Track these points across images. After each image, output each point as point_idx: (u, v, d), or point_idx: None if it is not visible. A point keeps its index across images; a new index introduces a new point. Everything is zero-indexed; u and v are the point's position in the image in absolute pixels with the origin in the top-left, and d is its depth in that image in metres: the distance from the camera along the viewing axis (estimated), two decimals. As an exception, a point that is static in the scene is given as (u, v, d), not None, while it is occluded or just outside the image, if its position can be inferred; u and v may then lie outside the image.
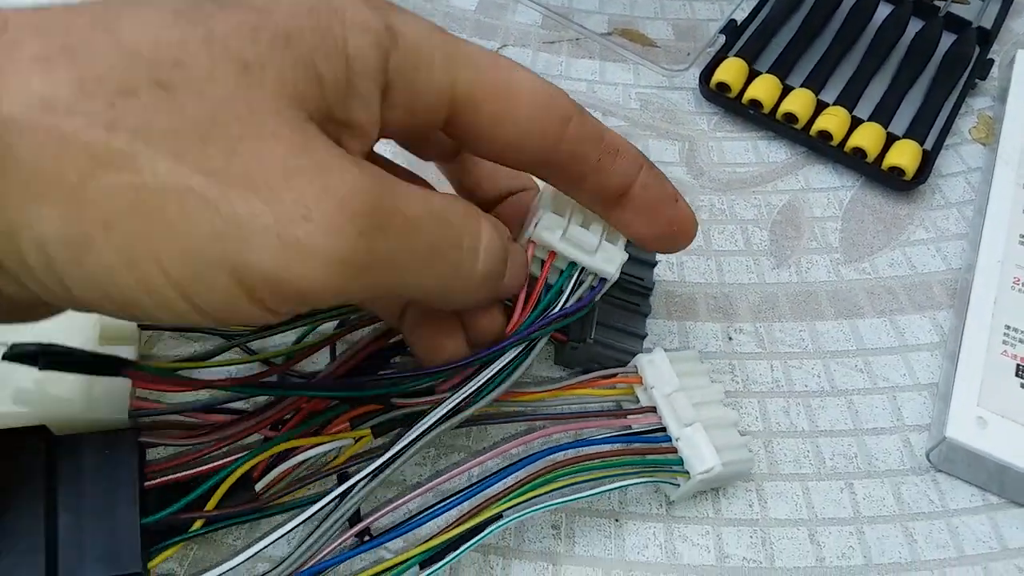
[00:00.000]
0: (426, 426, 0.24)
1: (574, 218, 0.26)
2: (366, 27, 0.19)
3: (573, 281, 0.26)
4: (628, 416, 0.28)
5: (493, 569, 0.27)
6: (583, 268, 0.26)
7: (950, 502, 0.30)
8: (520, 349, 0.25)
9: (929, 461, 0.31)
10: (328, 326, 0.29)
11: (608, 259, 0.26)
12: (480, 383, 0.25)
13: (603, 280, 0.26)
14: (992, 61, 0.43)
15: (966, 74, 0.42)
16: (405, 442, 0.24)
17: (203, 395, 0.27)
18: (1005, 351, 0.32)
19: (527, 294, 0.26)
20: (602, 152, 0.23)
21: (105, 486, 0.23)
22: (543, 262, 0.26)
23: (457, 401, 0.25)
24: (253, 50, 0.18)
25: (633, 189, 0.24)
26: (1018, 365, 0.31)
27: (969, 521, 0.30)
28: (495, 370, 0.25)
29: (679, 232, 0.26)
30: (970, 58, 0.42)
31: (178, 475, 0.24)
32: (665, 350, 0.29)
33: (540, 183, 0.26)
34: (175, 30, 0.17)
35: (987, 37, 0.43)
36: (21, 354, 0.21)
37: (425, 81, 0.21)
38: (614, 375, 0.29)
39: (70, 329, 0.24)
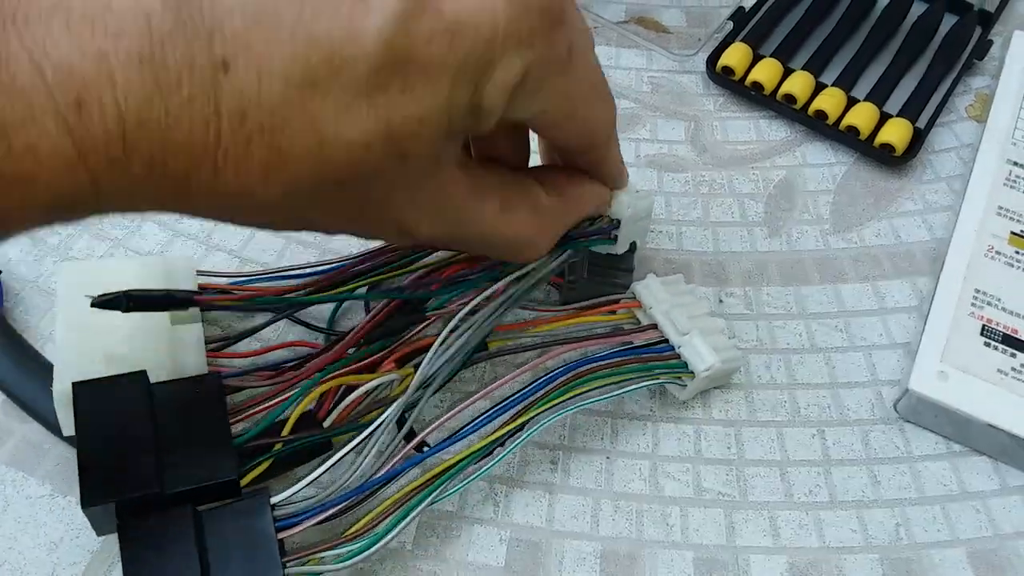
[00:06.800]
0: (459, 318, 0.30)
1: None
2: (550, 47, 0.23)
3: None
4: (632, 334, 0.33)
5: (498, 495, 0.31)
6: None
7: (915, 449, 0.33)
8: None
9: (896, 412, 0.34)
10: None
11: (619, 203, 0.31)
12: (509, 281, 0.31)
13: (618, 220, 0.32)
14: (991, 42, 0.45)
15: (965, 55, 0.44)
16: (442, 337, 0.30)
17: (272, 356, 0.32)
18: (973, 312, 0.34)
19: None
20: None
21: (198, 417, 0.27)
22: None
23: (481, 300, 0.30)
24: None
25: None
26: (983, 326, 0.34)
27: (932, 466, 0.33)
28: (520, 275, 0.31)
29: None
30: (969, 39, 0.45)
31: (256, 410, 0.29)
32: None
33: None
34: None
35: (988, 19, 0.45)
36: (107, 301, 0.26)
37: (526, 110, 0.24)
38: (616, 301, 0.34)
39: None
